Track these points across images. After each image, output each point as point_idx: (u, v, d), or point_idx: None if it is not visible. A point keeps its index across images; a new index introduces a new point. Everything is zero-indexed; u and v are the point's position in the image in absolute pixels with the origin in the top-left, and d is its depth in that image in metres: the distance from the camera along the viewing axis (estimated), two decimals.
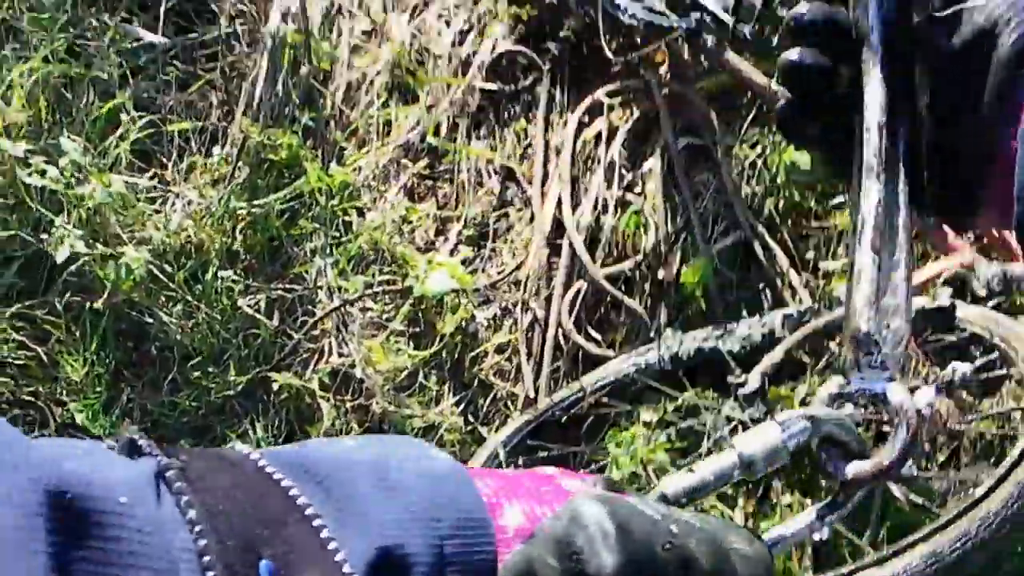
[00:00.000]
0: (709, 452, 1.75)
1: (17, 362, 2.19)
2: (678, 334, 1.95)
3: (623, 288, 2.07)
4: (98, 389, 2.18)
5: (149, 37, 2.39)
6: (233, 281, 2.18)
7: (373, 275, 2.19)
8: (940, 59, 0.56)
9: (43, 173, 2.10)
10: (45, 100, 2.22)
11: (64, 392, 2.20)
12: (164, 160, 2.36)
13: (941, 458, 1.82)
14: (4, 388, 2.18)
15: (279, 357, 2.17)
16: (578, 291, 2.07)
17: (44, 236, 2.14)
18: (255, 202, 2.22)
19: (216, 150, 2.32)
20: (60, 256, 2.07)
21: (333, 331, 2.18)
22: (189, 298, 2.17)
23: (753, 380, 1.80)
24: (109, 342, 2.16)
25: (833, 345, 1.87)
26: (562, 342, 2.07)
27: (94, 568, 0.34)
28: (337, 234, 2.23)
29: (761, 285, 2.03)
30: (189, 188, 2.29)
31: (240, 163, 2.25)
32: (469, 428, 2.08)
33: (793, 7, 0.59)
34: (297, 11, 2.31)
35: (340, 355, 2.16)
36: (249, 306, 2.19)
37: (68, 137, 2.18)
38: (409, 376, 2.12)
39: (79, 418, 2.16)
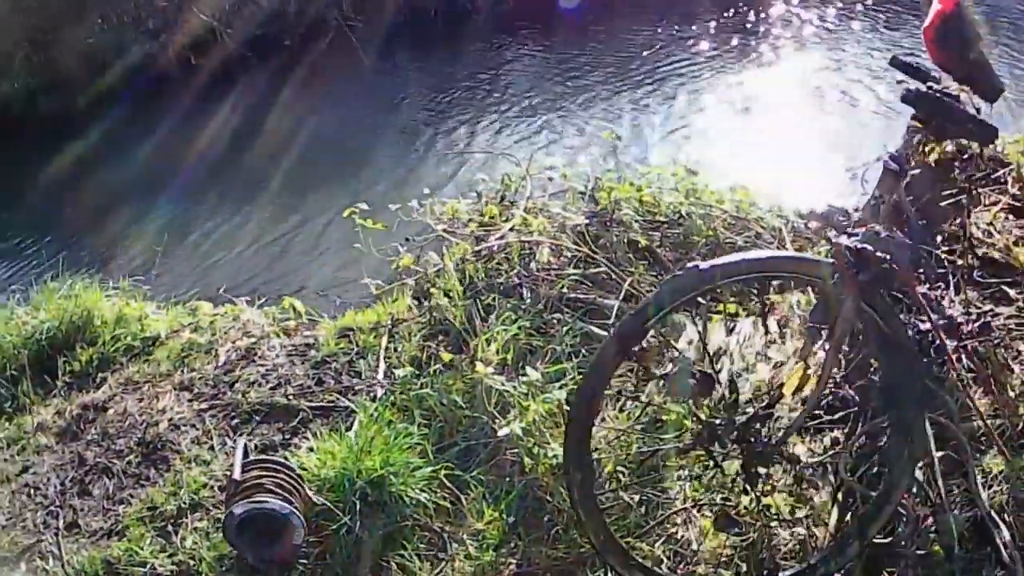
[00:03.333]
0: None
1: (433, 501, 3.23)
2: None
3: None
4: (492, 534, 3.15)
5: None
6: None
7: None
8: None
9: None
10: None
11: (464, 532, 3.20)
12: None
13: None
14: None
15: None
16: None
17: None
18: None
19: None
20: (502, 432, 3.16)
21: None
22: None
23: None
24: (513, 507, 3.18)
25: None
26: None
27: None
28: None
29: None
30: None
31: None
32: None
33: None
34: None
35: None
36: None
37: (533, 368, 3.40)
38: None
39: (472, 550, 3.13)
